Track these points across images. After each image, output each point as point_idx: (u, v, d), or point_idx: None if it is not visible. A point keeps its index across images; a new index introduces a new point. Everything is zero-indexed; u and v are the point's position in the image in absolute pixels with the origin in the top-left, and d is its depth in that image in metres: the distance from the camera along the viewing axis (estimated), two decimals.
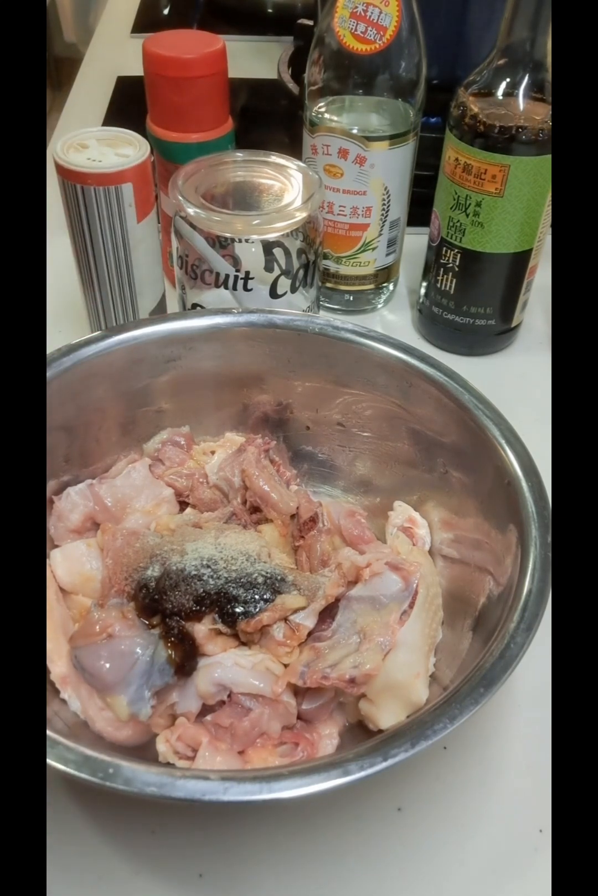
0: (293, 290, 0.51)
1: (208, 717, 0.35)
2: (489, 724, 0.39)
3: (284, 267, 0.49)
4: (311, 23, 0.86)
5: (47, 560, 0.40)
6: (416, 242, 0.68)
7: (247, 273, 0.49)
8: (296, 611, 0.37)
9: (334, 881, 0.34)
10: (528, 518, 0.35)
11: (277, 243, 0.48)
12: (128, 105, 0.82)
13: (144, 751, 0.35)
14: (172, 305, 0.58)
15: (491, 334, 0.61)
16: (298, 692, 0.36)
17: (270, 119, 0.90)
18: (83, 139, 0.50)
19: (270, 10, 1.17)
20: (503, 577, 0.35)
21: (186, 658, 0.35)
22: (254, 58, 1.04)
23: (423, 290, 0.63)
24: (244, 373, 0.46)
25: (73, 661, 0.35)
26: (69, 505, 0.42)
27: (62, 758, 0.27)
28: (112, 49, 1.09)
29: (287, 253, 0.49)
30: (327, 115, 0.58)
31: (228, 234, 0.47)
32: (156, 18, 1.15)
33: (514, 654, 0.30)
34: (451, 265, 0.58)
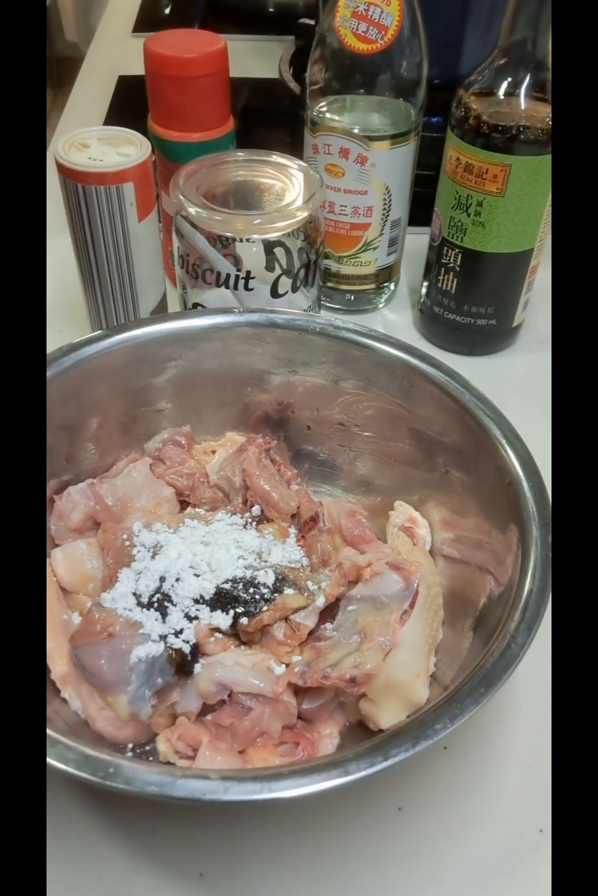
0: (294, 289, 0.51)
1: (209, 717, 0.35)
2: (490, 724, 0.39)
3: (285, 266, 0.49)
4: (312, 22, 0.86)
5: (48, 559, 0.41)
6: (417, 242, 0.68)
7: (248, 272, 0.49)
8: (296, 610, 0.37)
9: (334, 881, 0.34)
10: (529, 518, 0.35)
11: (279, 243, 0.48)
12: (129, 104, 0.82)
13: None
14: (173, 305, 0.58)
15: (492, 334, 0.61)
16: (298, 692, 0.36)
17: (271, 118, 0.90)
18: (84, 138, 0.50)
19: (271, 10, 1.17)
20: (504, 576, 0.35)
21: (186, 657, 0.35)
22: (255, 57, 1.03)
23: (424, 290, 0.63)
24: (245, 372, 0.46)
25: (73, 659, 0.35)
26: (70, 504, 0.42)
27: (62, 757, 0.27)
28: (113, 48, 1.09)
29: (288, 252, 0.49)
30: (328, 115, 0.58)
31: (229, 234, 0.47)
32: (157, 18, 1.15)
33: (515, 653, 0.30)
34: (452, 265, 0.58)
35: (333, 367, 0.45)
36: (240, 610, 0.36)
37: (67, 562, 0.40)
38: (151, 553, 0.38)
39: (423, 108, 0.58)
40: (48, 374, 0.40)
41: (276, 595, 0.36)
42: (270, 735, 0.35)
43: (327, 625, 0.37)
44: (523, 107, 0.50)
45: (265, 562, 0.38)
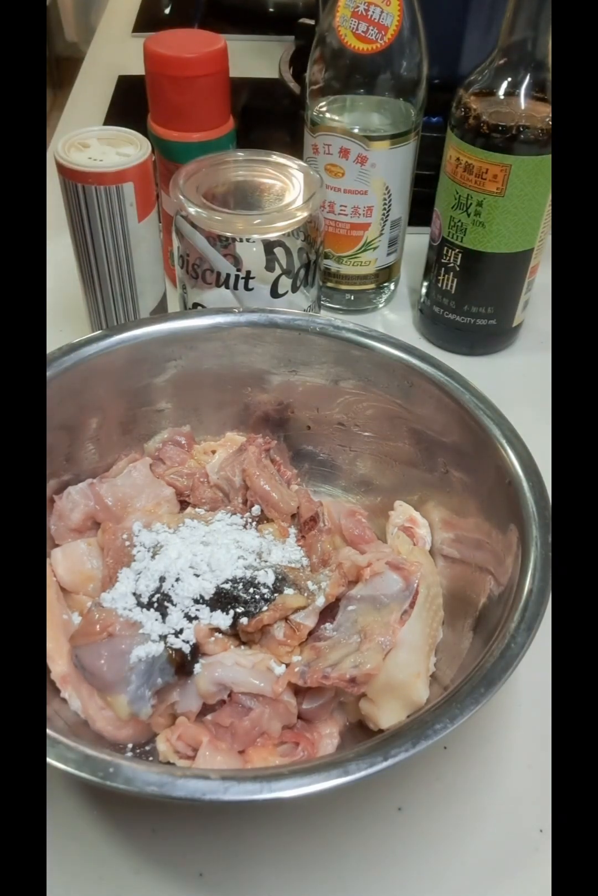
0: (294, 289, 0.51)
1: (209, 717, 0.35)
2: (490, 724, 0.39)
3: (285, 266, 0.49)
4: (312, 22, 0.86)
5: (47, 559, 0.41)
6: (417, 242, 0.68)
7: (248, 272, 0.49)
8: (296, 610, 0.37)
9: (334, 881, 0.34)
10: (529, 518, 0.35)
11: (279, 243, 0.48)
12: (129, 104, 0.82)
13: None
14: (173, 305, 0.58)
15: (492, 334, 0.61)
16: (298, 692, 0.36)
17: (271, 118, 0.90)
18: (84, 138, 0.50)
19: (271, 10, 1.17)
20: (504, 576, 0.35)
21: (186, 657, 0.35)
22: (255, 57, 1.03)
23: (424, 290, 0.63)
24: (245, 372, 0.46)
25: (73, 659, 0.35)
26: (70, 504, 0.42)
27: (62, 757, 0.27)
28: (113, 48, 1.09)
29: (288, 252, 0.49)
30: (328, 115, 0.58)
31: (229, 234, 0.47)
32: (157, 17, 1.15)
33: (514, 653, 0.30)
34: (452, 265, 0.58)
35: (333, 367, 0.45)
36: (240, 610, 0.36)
37: (67, 562, 0.40)
38: (151, 553, 0.38)
39: (423, 108, 0.58)
40: (48, 374, 0.40)
41: (276, 595, 0.36)
42: (270, 735, 0.35)
43: (327, 625, 0.37)
44: (523, 107, 0.50)
45: (265, 562, 0.38)
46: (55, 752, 0.27)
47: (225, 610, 0.36)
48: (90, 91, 0.98)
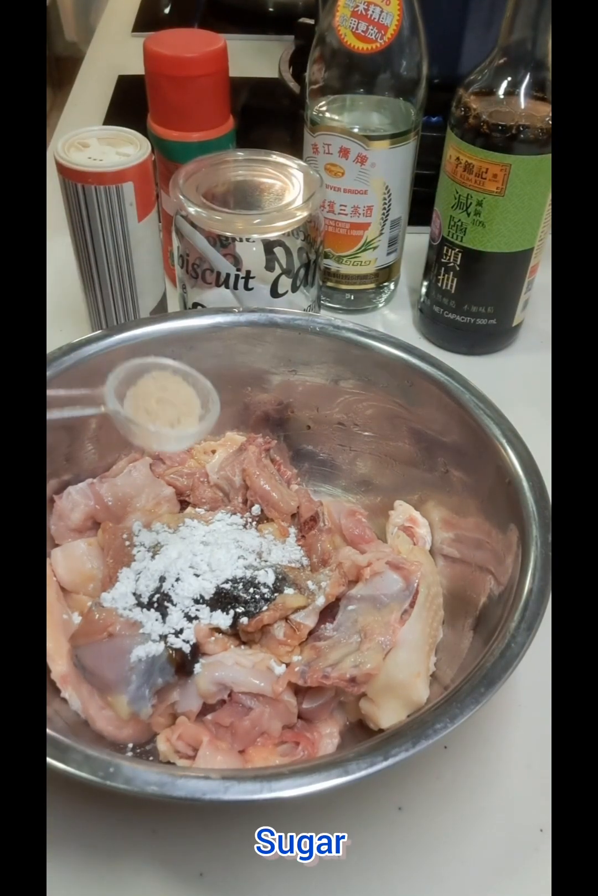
0: (294, 289, 0.50)
1: (209, 717, 0.35)
2: (490, 724, 0.39)
3: (284, 266, 0.49)
4: (312, 22, 0.85)
5: (48, 559, 0.41)
6: (417, 242, 0.68)
7: (248, 272, 0.49)
8: (297, 610, 0.37)
9: (334, 881, 0.34)
10: (529, 517, 0.35)
11: (278, 242, 0.48)
12: (129, 104, 0.82)
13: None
14: (173, 305, 0.58)
15: (492, 334, 0.61)
16: (298, 691, 0.36)
17: (271, 118, 0.90)
18: (84, 138, 0.50)
19: (271, 9, 1.17)
20: (504, 576, 0.35)
21: (186, 657, 0.35)
22: (255, 57, 1.03)
23: (424, 290, 0.63)
24: (245, 372, 0.46)
25: (73, 659, 0.35)
26: (70, 504, 0.42)
27: (62, 757, 0.27)
28: (113, 48, 1.09)
29: (288, 252, 0.49)
30: (328, 114, 0.58)
31: (229, 234, 0.47)
32: (157, 17, 1.15)
33: (515, 653, 0.30)
34: (452, 264, 0.58)
35: (333, 367, 0.45)
36: (240, 610, 0.36)
37: (67, 562, 0.40)
38: (151, 553, 0.38)
39: (423, 108, 0.58)
40: (48, 374, 0.40)
41: (276, 595, 0.36)
42: (270, 735, 0.35)
43: (327, 625, 0.37)
44: (522, 106, 0.50)
45: (265, 561, 0.38)
46: (55, 752, 0.27)
47: (225, 610, 0.36)
48: (90, 91, 0.98)
